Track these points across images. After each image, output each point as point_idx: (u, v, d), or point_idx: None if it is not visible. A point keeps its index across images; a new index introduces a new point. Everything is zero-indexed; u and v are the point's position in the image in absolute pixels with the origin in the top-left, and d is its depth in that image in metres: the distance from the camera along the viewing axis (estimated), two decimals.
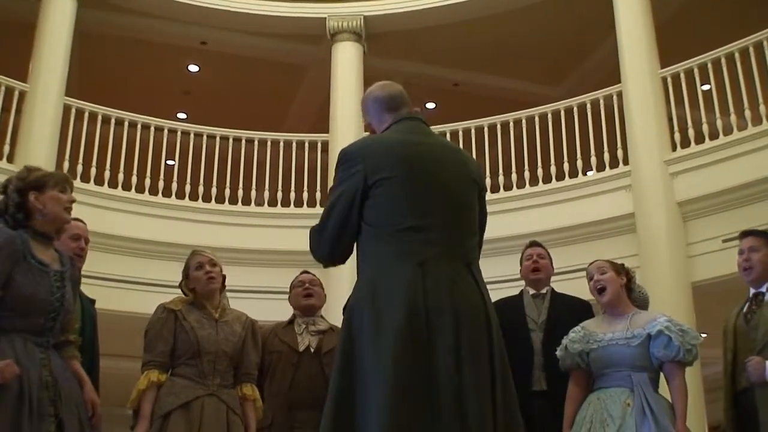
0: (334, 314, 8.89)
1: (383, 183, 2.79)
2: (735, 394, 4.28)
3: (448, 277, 2.72)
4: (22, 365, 3.03)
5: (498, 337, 2.77)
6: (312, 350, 4.55)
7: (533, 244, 5.13)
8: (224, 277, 4.35)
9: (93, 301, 4.20)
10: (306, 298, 4.72)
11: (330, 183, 10.60)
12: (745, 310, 4.36)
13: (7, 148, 9.08)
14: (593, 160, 9.66)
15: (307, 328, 4.65)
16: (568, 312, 4.73)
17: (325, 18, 11.14)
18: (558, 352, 4.30)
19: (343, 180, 2.85)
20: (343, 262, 2.97)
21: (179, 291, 4.36)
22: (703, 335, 9.60)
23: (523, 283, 5.04)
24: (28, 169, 3.41)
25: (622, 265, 4.41)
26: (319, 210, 10.08)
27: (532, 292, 4.91)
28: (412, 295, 2.65)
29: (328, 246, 2.90)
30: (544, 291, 4.90)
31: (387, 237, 2.77)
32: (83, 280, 4.12)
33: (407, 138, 2.93)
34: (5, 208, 3.31)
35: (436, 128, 10.42)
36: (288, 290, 4.90)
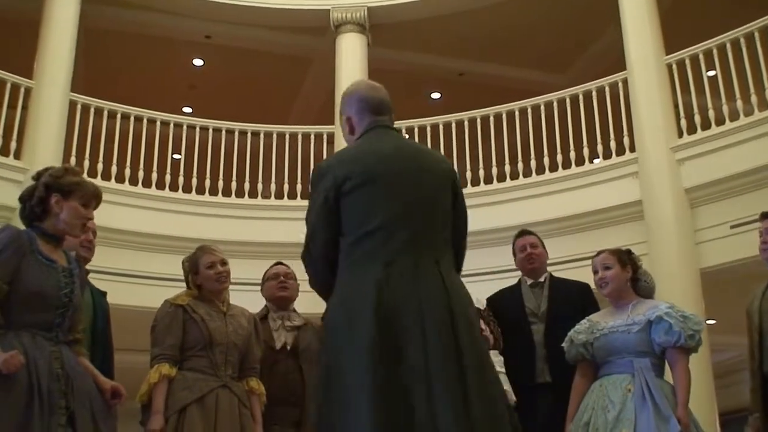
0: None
1: (350, 192, 2.81)
2: (762, 374, 4.23)
3: (413, 274, 2.72)
4: (30, 357, 3.02)
5: (467, 332, 2.71)
6: (288, 348, 4.56)
7: (523, 233, 5.07)
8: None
9: (104, 294, 4.21)
10: (281, 290, 4.71)
11: None
12: None
13: (14, 145, 9.09)
14: (599, 147, 9.63)
15: (283, 323, 4.65)
16: (569, 298, 4.72)
17: (329, 10, 11.14)
18: (564, 344, 4.30)
19: (317, 198, 2.88)
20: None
21: (184, 285, 4.36)
22: (712, 322, 9.64)
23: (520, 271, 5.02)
24: (66, 170, 3.40)
25: (629, 253, 4.38)
26: None
27: (529, 281, 4.89)
28: (379, 294, 2.66)
29: (321, 268, 2.90)
30: (542, 279, 4.88)
31: (356, 242, 2.79)
32: (91, 274, 4.15)
33: (375, 146, 2.95)
34: (30, 196, 3.31)
35: (441, 119, 10.48)
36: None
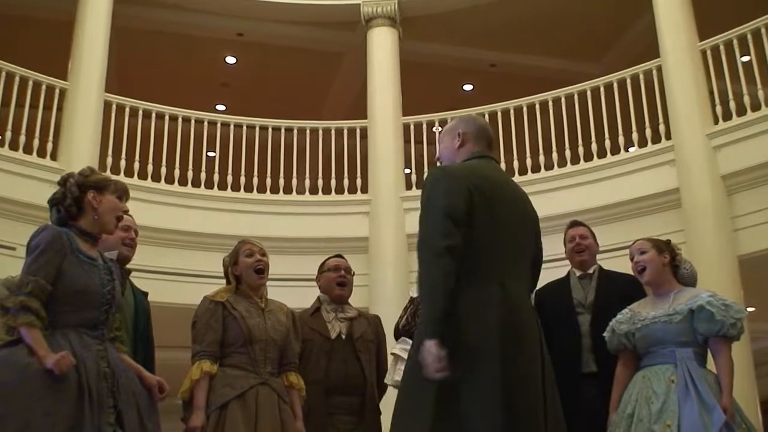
0: (379, 308, 8.92)
1: (477, 206, 3.08)
2: None
3: (520, 296, 3.12)
4: (78, 357, 3.05)
5: (546, 352, 3.20)
6: (344, 337, 4.57)
7: (574, 224, 5.05)
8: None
9: (146, 294, 4.25)
10: (340, 287, 4.71)
11: (370, 169, 10.55)
12: None
13: (50, 146, 9.19)
14: (635, 136, 9.56)
15: (336, 315, 4.66)
16: (617, 290, 4.68)
17: (360, 4, 11.14)
18: (605, 334, 4.28)
19: (453, 193, 3.06)
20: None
21: (223, 282, 4.38)
22: (751, 309, 9.54)
23: (569, 262, 5.01)
24: (92, 170, 3.49)
25: (667, 242, 4.35)
26: (360, 196, 10.22)
27: (578, 273, 4.87)
28: (500, 309, 2.98)
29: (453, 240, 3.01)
30: (591, 271, 4.85)
31: (474, 256, 3.03)
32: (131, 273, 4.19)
33: (493, 174, 3.28)
34: (62, 198, 3.37)
35: (474, 110, 10.43)
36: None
